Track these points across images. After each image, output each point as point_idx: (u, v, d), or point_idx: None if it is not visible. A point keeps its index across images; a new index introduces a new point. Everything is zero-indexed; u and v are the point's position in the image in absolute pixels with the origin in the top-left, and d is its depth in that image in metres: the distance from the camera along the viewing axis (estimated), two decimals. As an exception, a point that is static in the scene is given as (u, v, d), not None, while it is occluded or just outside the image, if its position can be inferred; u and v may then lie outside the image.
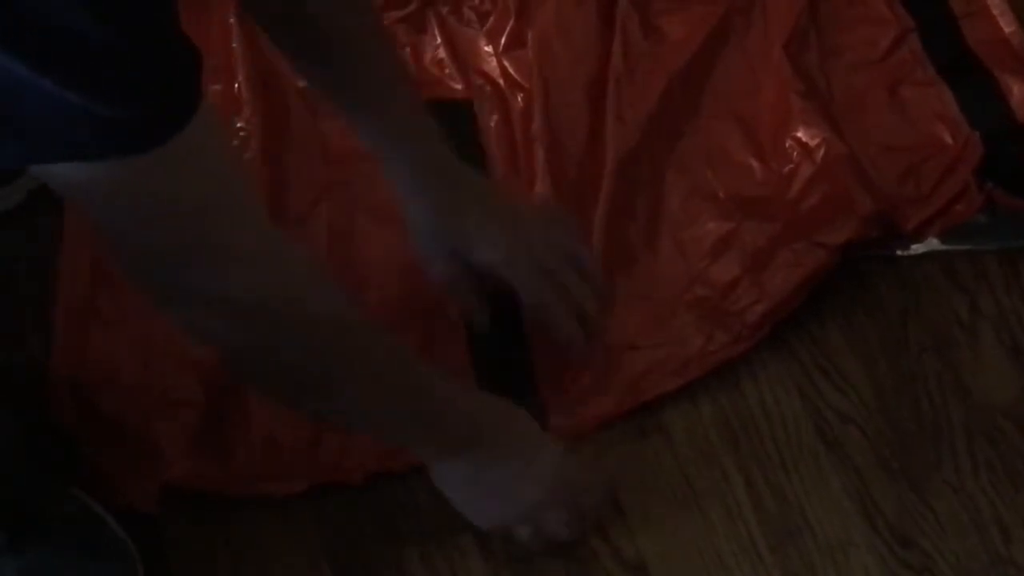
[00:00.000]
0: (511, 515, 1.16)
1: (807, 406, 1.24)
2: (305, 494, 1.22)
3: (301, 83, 1.32)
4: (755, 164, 1.30)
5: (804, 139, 1.29)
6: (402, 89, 1.15)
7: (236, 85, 1.35)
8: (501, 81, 1.35)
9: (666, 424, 1.23)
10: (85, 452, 1.21)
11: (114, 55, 0.71)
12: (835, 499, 1.20)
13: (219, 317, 0.90)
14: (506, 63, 1.35)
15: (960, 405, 1.23)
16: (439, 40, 1.37)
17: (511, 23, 1.35)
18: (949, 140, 1.30)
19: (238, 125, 1.33)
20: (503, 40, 1.36)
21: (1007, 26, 1.33)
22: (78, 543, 1.17)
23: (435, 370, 1.06)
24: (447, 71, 1.36)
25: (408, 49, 1.36)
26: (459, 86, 1.36)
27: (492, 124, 1.34)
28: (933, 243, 1.28)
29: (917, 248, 1.28)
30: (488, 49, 1.36)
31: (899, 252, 1.28)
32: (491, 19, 1.37)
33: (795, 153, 1.29)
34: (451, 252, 1.20)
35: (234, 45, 1.35)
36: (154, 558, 1.19)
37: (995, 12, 1.34)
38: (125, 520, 1.18)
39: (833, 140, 1.28)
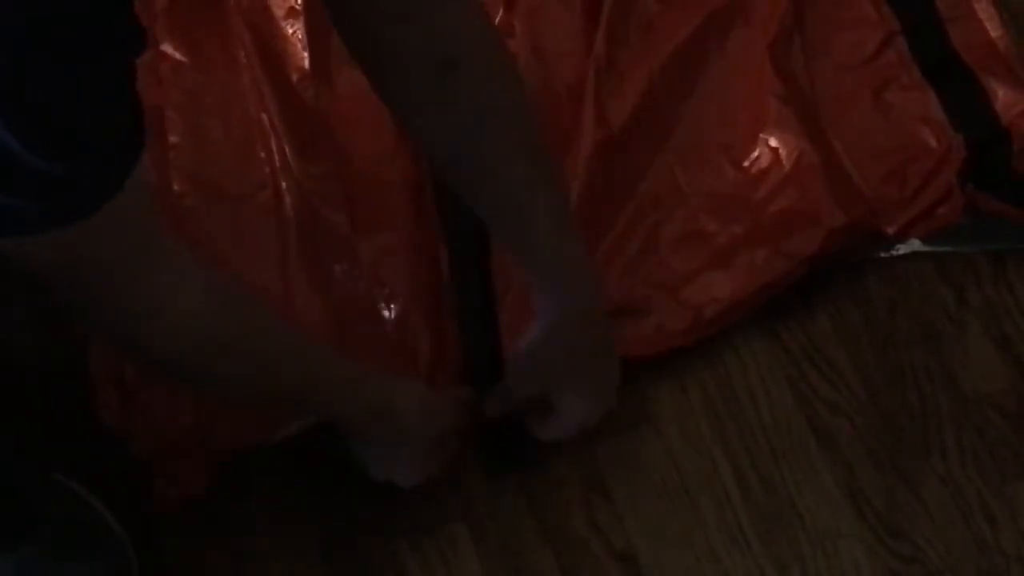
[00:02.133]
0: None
1: (797, 398, 1.24)
2: (300, 486, 1.23)
3: (295, 76, 1.33)
4: (726, 163, 1.30)
5: (776, 144, 1.29)
6: (544, 229, 1.06)
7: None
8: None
9: (656, 415, 1.24)
10: (131, 446, 1.21)
11: (40, 177, 0.74)
12: (824, 490, 1.21)
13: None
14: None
15: (948, 396, 1.24)
16: None
17: (500, 15, 1.34)
18: (933, 143, 1.30)
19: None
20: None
21: (994, 30, 1.34)
22: (75, 540, 1.17)
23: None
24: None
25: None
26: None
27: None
28: (915, 244, 1.29)
29: (900, 249, 1.29)
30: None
31: (882, 254, 1.29)
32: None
33: (765, 157, 1.29)
34: (538, 388, 1.17)
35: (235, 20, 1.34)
36: (150, 554, 1.19)
37: (982, 16, 1.34)
38: (122, 517, 1.18)
39: (806, 148, 1.28)
